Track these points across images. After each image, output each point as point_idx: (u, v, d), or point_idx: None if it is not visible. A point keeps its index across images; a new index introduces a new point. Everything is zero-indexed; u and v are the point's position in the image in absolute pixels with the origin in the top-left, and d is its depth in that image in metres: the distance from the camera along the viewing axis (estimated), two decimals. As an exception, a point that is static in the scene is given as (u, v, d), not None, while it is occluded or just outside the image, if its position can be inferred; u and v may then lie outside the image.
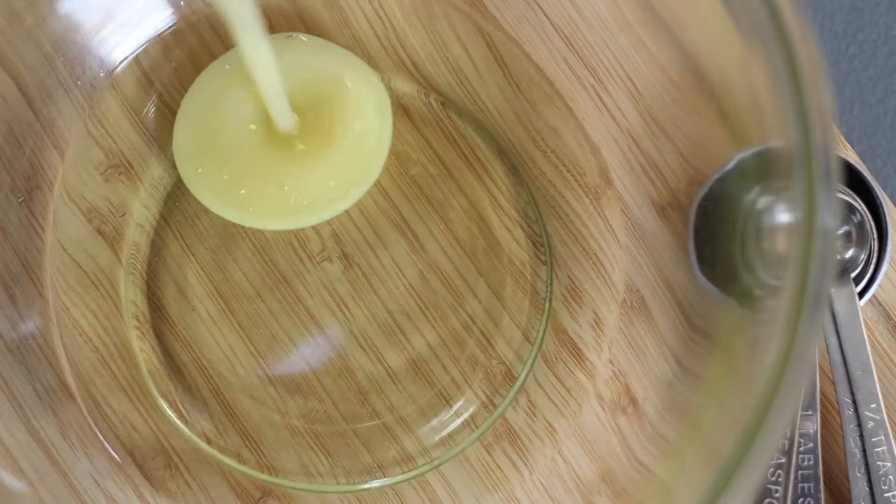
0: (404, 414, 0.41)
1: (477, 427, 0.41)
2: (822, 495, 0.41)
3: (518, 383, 0.41)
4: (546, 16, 0.40)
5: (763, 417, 0.26)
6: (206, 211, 0.40)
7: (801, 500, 0.41)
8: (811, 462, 0.41)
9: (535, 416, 0.40)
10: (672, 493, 0.34)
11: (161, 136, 0.41)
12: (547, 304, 0.41)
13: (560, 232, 0.40)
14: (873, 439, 0.41)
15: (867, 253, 0.42)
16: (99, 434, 0.40)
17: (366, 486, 0.41)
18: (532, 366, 0.41)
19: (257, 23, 0.33)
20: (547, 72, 0.40)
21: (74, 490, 0.38)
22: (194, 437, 0.40)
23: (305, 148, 0.39)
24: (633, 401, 0.38)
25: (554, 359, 0.40)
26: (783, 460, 0.40)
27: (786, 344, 0.26)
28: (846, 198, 0.42)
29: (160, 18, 0.40)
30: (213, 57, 0.40)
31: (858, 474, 0.41)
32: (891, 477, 0.41)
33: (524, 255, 0.41)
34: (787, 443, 0.40)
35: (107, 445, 0.40)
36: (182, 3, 0.41)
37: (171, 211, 0.41)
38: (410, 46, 0.41)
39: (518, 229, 0.41)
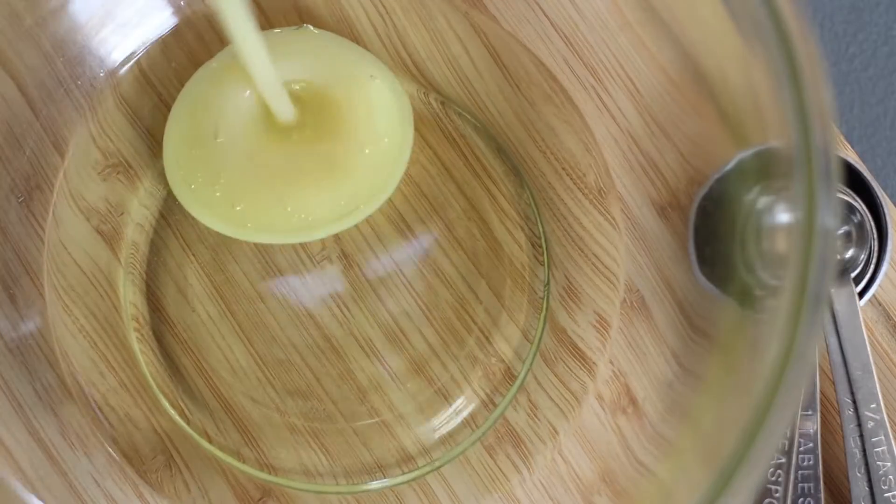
0: (404, 412, 0.41)
1: (477, 427, 0.41)
2: (822, 495, 0.41)
3: (518, 382, 0.41)
4: (546, 16, 0.40)
5: (763, 417, 0.26)
6: (206, 211, 0.40)
7: (801, 500, 0.41)
8: (811, 462, 0.41)
9: (535, 416, 0.40)
10: (672, 493, 0.34)
11: (160, 136, 0.40)
12: (544, 304, 0.41)
13: (558, 233, 0.40)
14: (873, 439, 0.41)
15: (867, 253, 0.42)
16: (99, 434, 0.40)
17: (365, 487, 0.41)
18: (531, 365, 0.41)
19: (245, 10, 0.32)
20: (546, 71, 0.40)
21: (74, 490, 0.38)
22: (195, 436, 0.40)
23: (314, 165, 0.38)
24: (633, 401, 0.38)
25: (554, 358, 0.40)
26: (783, 460, 0.40)
27: (786, 344, 0.26)
28: (846, 198, 0.42)
29: (160, 18, 0.40)
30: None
31: (858, 474, 0.41)
32: (891, 477, 0.41)
33: (523, 255, 0.41)
34: (787, 443, 0.40)
35: (107, 445, 0.40)
36: (182, 3, 0.41)
37: (171, 210, 0.41)
38: (410, 46, 0.41)
39: (518, 230, 0.41)
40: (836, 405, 0.41)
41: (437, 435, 0.41)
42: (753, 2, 0.27)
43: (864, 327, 0.41)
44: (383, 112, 0.38)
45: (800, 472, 0.41)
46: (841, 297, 0.41)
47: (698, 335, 0.36)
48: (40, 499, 0.36)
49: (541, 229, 0.41)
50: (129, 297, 0.41)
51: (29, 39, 0.38)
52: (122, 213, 0.41)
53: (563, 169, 0.40)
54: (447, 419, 0.41)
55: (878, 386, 0.41)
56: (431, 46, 0.41)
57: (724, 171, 0.34)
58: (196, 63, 0.40)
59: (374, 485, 0.41)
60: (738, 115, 0.32)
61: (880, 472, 0.41)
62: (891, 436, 0.41)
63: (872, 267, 0.42)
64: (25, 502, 0.35)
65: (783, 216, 0.28)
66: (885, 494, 0.41)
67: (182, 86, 0.40)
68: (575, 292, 0.40)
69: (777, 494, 0.40)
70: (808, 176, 0.27)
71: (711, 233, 0.36)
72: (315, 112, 0.38)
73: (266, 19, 0.40)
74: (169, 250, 0.41)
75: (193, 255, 0.41)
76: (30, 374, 0.38)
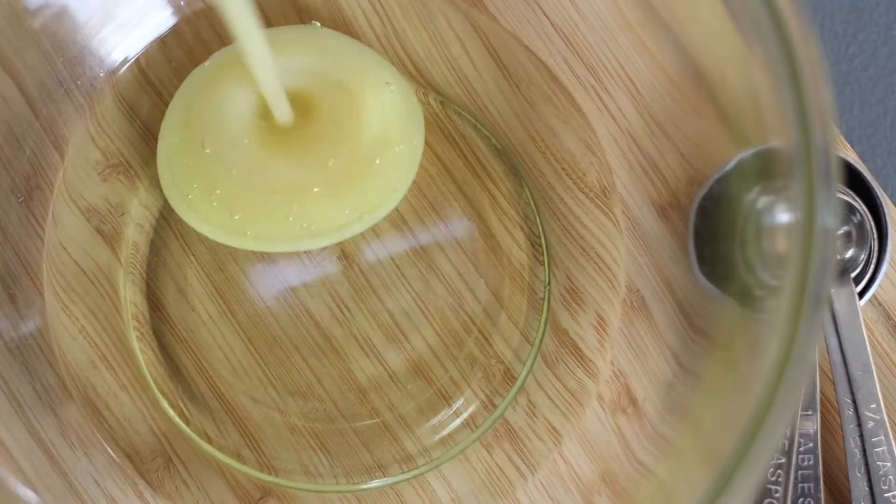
0: (403, 412, 0.41)
1: (477, 427, 0.41)
2: (822, 495, 0.41)
3: (518, 383, 0.41)
4: (546, 16, 0.40)
5: (763, 417, 0.26)
6: (206, 211, 0.39)
7: (801, 500, 0.41)
8: (811, 462, 0.41)
9: (535, 416, 0.40)
10: (672, 493, 0.34)
11: (161, 135, 0.40)
12: (545, 305, 0.41)
13: (558, 232, 0.40)
14: (873, 439, 0.41)
15: (867, 253, 0.42)
16: (99, 434, 0.40)
17: (366, 486, 0.41)
18: (532, 366, 0.41)
19: (248, 6, 0.32)
20: (546, 71, 0.40)
21: (74, 490, 0.38)
22: (195, 437, 0.40)
23: (320, 175, 0.37)
24: (633, 401, 0.38)
25: (554, 359, 0.40)
26: (783, 460, 0.40)
27: (786, 344, 0.26)
28: (846, 198, 0.42)
29: (160, 18, 0.40)
30: (213, 57, 0.40)
31: (858, 474, 0.41)
32: (891, 477, 0.41)
33: (523, 255, 0.41)
34: (787, 443, 0.40)
35: (106, 446, 0.40)
36: (182, 3, 0.40)
37: (171, 210, 0.41)
38: (410, 45, 0.41)
39: (517, 229, 0.41)
40: (836, 405, 0.41)
41: (437, 436, 0.41)
42: (753, 2, 0.27)
43: (864, 327, 0.41)
44: (396, 121, 0.38)
45: (800, 472, 0.41)
46: (841, 297, 0.41)
47: (698, 335, 0.36)
48: (40, 499, 0.36)
49: (540, 229, 0.41)
50: (130, 296, 0.41)
51: (29, 39, 0.38)
52: (122, 214, 0.41)
53: (563, 169, 0.40)
54: (447, 420, 0.41)
55: (878, 386, 0.41)
56: (431, 46, 0.41)
57: (724, 171, 0.34)
58: (196, 63, 0.40)
59: (375, 484, 0.41)
60: (738, 115, 0.32)
61: (880, 472, 0.41)
62: (891, 436, 0.41)
63: (872, 267, 0.42)
64: (25, 502, 0.35)
65: (783, 216, 0.28)
66: (885, 494, 0.41)
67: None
68: (577, 293, 0.40)
69: (777, 494, 0.40)
70: (808, 176, 0.27)
71: (711, 233, 0.36)
72: (323, 118, 0.37)
73: (264, 17, 0.40)
74: (169, 250, 0.41)
75: (193, 255, 0.41)
76: (30, 374, 0.38)
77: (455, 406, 0.41)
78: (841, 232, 0.42)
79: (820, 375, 0.42)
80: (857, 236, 0.42)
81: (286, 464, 0.41)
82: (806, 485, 0.41)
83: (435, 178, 0.41)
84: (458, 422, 0.41)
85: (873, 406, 0.41)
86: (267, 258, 0.41)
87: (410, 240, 0.41)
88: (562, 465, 0.40)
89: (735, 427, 0.27)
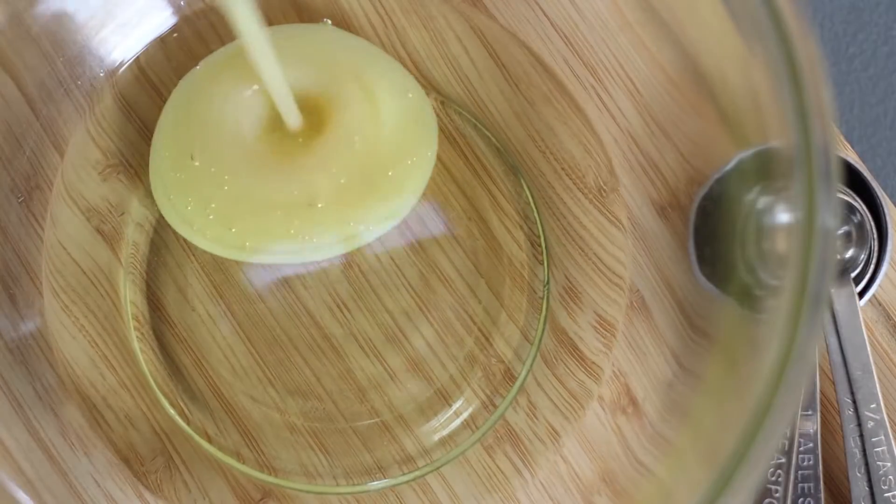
0: (403, 412, 0.41)
1: (477, 428, 0.41)
2: (822, 495, 0.41)
3: (518, 383, 0.41)
4: (546, 16, 0.40)
5: (763, 417, 0.26)
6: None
7: (801, 500, 0.41)
8: (811, 462, 0.41)
9: (535, 417, 0.40)
10: (672, 493, 0.34)
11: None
12: (544, 304, 0.41)
13: (557, 232, 0.40)
14: (873, 439, 0.41)
15: (867, 253, 0.42)
16: (98, 434, 0.40)
17: (365, 487, 0.41)
18: (531, 366, 0.41)
19: (252, 9, 0.32)
20: (546, 71, 0.40)
21: (74, 490, 0.38)
22: (195, 436, 0.40)
23: (328, 187, 0.35)
24: (633, 401, 0.38)
25: (554, 359, 0.40)
26: (783, 460, 0.40)
27: (786, 344, 0.26)
28: (846, 198, 0.42)
29: (160, 18, 0.40)
30: (213, 57, 0.40)
31: (858, 474, 0.41)
32: (891, 477, 0.41)
33: (523, 254, 0.41)
34: (787, 443, 0.40)
35: (106, 446, 0.40)
36: (182, 3, 0.40)
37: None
38: (410, 45, 0.41)
39: (517, 229, 0.41)
40: (836, 405, 0.41)
41: (436, 436, 0.41)
42: (753, 2, 0.27)
43: (864, 327, 0.41)
44: (414, 131, 0.37)
45: (800, 472, 0.41)
46: (841, 297, 0.41)
47: (698, 335, 0.36)
48: (41, 499, 0.36)
49: (540, 229, 0.41)
50: (130, 296, 0.41)
51: (29, 39, 0.38)
52: (122, 213, 0.41)
53: (563, 168, 0.40)
54: (447, 420, 0.41)
55: (878, 386, 0.41)
56: (431, 46, 0.41)
57: (724, 171, 0.34)
58: (196, 62, 0.40)
59: (375, 485, 0.41)
60: (738, 115, 0.32)
61: (880, 472, 0.41)
62: (891, 436, 0.41)
63: (872, 267, 0.42)
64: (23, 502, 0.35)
65: (783, 216, 0.28)
66: (885, 494, 0.41)
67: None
68: (576, 293, 0.40)
69: (777, 494, 0.40)
70: (808, 176, 0.27)
71: (711, 233, 0.36)
72: (335, 127, 0.36)
73: (263, 16, 0.40)
74: (169, 250, 0.41)
75: (193, 255, 0.41)
76: (30, 374, 0.38)
77: (455, 406, 0.41)
78: (841, 232, 0.42)
79: (820, 375, 0.42)
80: (857, 236, 0.42)
81: (286, 464, 0.41)
82: (806, 485, 0.41)
83: (435, 178, 0.41)
84: (458, 422, 0.41)
85: (873, 406, 0.41)
86: (267, 258, 0.41)
87: (410, 239, 0.41)
88: (562, 465, 0.40)
89: (735, 427, 0.27)
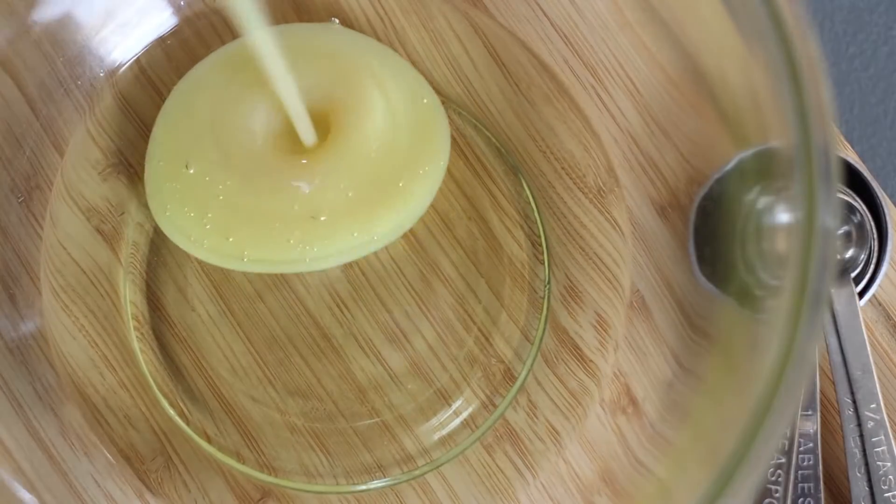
0: (403, 412, 0.41)
1: (477, 427, 0.41)
2: (822, 495, 0.41)
3: (518, 383, 0.41)
4: (546, 16, 0.40)
5: (763, 417, 0.26)
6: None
7: (801, 500, 0.41)
8: (811, 462, 0.41)
9: (535, 417, 0.40)
10: (672, 493, 0.34)
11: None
12: (545, 304, 0.41)
13: (558, 231, 0.40)
14: (873, 439, 0.41)
15: (867, 253, 0.42)
16: (98, 434, 0.39)
17: (365, 486, 0.41)
18: (532, 365, 0.41)
19: (256, 12, 0.32)
20: (546, 71, 0.40)
21: (74, 490, 0.38)
22: (195, 436, 0.40)
23: (334, 198, 0.35)
24: (633, 401, 0.38)
25: (555, 359, 0.40)
26: (783, 460, 0.40)
27: (786, 344, 0.26)
28: (846, 198, 0.42)
29: (160, 18, 0.40)
30: (213, 57, 0.40)
31: (858, 474, 0.41)
32: (891, 477, 0.41)
33: (523, 254, 0.41)
34: (787, 443, 0.40)
35: (106, 446, 0.40)
36: (182, 3, 0.40)
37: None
38: (410, 45, 0.41)
39: (518, 229, 0.41)
40: (836, 405, 0.41)
41: (437, 435, 0.41)
42: (753, 2, 0.27)
43: (864, 327, 0.41)
44: (427, 140, 0.36)
45: (800, 472, 0.41)
46: (841, 297, 0.41)
47: (698, 335, 0.36)
48: (41, 499, 0.36)
49: (540, 228, 0.41)
50: (129, 296, 0.41)
51: (29, 39, 0.38)
52: (122, 213, 0.41)
53: (563, 168, 0.40)
54: (447, 420, 0.41)
55: (878, 386, 0.41)
56: (431, 46, 0.41)
57: (724, 171, 0.34)
58: (196, 63, 0.40)
59: (375, 484, 0.41)
60: (738, 115, 0.32)
61: (880, 472, 0.41)
62: (891, 436, 0.41)
63: (872, 267, 0.42)
64: (23, 501, 0.35)
65: (783, 216, 0.28)
66: (885, 494, 0.41)
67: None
68: (576, 293, 0.40)
69: (777, 494, 0.40)
70: (808, 176, 0.27)
71: (711, 233, 0.36)
72: (345, 135, 0.35)
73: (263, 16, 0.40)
74: (169, 250, 0.41)
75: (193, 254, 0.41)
76: (30, 374, 0.38)
77: (455, 405, 0.41)
78: (841, 232, 0.42)
79: (820, 375, 0.42)
80: (857, 236, 0.42)
81: (286, 464, 0.41)
82: (806, 485, 0.41)
83: (435, 178, 0.41)
84: (457, 421, 0.41)
85: (873, 406, 0.41)
86: (267, 258, 0.41)
87: (410, 239, 0.41)
88: (562, 466, 0.39)
89: (735, 427, 0.27)
